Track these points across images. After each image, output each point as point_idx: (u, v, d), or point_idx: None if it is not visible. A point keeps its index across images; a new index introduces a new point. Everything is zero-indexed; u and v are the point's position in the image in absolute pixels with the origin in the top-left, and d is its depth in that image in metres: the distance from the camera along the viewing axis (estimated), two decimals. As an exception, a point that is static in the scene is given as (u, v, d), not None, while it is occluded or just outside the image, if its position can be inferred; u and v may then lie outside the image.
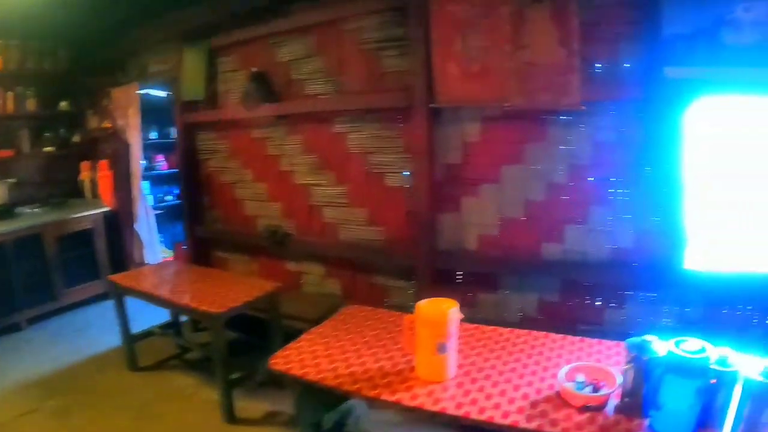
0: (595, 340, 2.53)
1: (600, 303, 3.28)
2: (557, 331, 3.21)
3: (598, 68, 3.10)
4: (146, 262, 5.00)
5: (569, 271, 3.22)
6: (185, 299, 3.43)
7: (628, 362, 1.95)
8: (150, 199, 5.60)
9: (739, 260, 3.30)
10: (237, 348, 3.89)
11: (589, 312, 3.27)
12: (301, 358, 2.49)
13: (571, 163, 3.16)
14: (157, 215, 5.49)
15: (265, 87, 3.84)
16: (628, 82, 2.99)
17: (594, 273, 3.17)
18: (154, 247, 5.10)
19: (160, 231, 5.50)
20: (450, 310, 2.28)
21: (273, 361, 2.47)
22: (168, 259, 5.27)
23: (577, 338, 2.58)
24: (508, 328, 2.73)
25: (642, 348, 1.92)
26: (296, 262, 3.96)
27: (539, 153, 3.21)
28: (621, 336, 3.41)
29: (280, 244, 3.87)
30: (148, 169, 5.73)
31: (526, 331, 2.68)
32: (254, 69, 3.84)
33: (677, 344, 1.81)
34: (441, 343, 2.26)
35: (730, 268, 3.22)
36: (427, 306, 2.32)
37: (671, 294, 3.10)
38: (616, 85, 3.02)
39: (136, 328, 4.06)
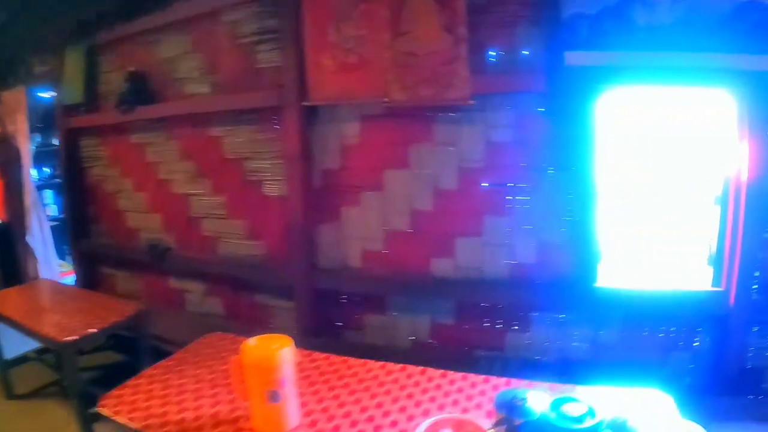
0: (480, 378, 1.94)
1: (501, 326, 2.66)
2: (452, 358, 2.68)
3: (491, 56, 2.45)
4: (41, 277, 4.24)
5: (463, 291, 2.57)
6: (38, 325, 2.70)
7: (495, 425, 1.41)
8: (54, 209, 4.94)
9: (659, 276, 2.75)
10: (122, 372, 3.40)
11: (489, 336, 2.60)
12: (135, 399, 1.90)
13: (462, 166, 2.50)
14: (60, 226, 4.68)
15: (141, 88, 3.15)
16: (526, 72, 2.38)
17: (492, 292, 2.53)
18: (49, 262, 4.39)
19: (64, 243, 4.67)
20: (280, 351, 1.76)
21: (102, 403, 1.96)
22: (64, 274, 4.50)
23: (459, 375, 2.03)
24: (380, 363, 2.16)
25: (512, 408, 1.37)
26: (178, 279, 3.29)
27: (425, 155, 2.55)
28: (525, 364, 2.87)
29: (161, 259, 3.19)
30: (51, 176, 5.03)
31: (399, 366, 2.10)
32: (131, 69, 3.18)
33: (556, 405, 1.27)
34: (272, 391, 1.71)
35: (650, 286, 2.67)
36: (254, 347, 1.77)
37: (583, 315, 2.48)
38: (512, 75, 2.40)
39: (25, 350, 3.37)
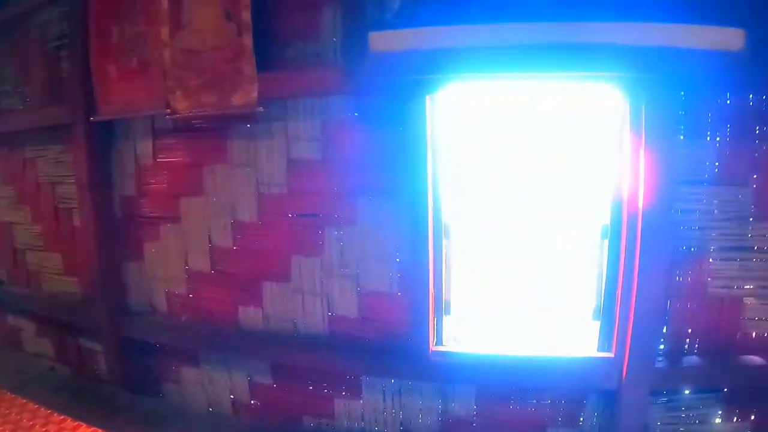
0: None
1: (327, 390, 1.88)
2: (276, 426, 2.04)
3: (289, 47, 1.72)
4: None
5: (275, 347, 1.86)
6: None
7: None
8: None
9: (527, 335, 1.96)
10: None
11: (315, 401, 1.89)
12: None
13: (262, 192, 1.79)
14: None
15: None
16: (329, 66, 1.65)
17: (308, 350, 1.81)
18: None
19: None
20: None
21: None
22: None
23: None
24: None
25: None
26: (13, 316, 2.62)
27: (220, 179, 1.84)
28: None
29: (-8, 294, 2.60)
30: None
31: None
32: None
33: None
34: None
35: (515, 348, 1.90)
36: None
37: (426, 383, 1.76)
38: (312, 70, 1.67)
39: None
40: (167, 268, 2.00)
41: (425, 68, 1.51)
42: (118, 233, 2.06)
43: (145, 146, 1.96)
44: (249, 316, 1.89)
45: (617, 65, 1.43)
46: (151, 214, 1.99)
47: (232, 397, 2.02)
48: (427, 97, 1.58)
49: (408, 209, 1.64)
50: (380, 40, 1.52)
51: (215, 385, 2.04)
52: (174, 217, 1.94)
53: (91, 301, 2.17)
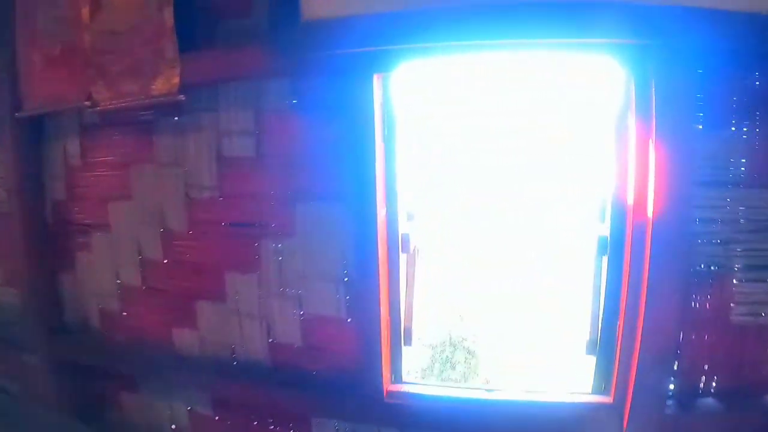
0: None
1: (273, 427, 1.64)
2: None
3: (220, 24, 1.41)
4: None
5: (212, 374, 1.55)
6: None
7: None
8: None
9: (505, 374, 1.58)
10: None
11: None
12: None
13: (191, 196, 1.49)
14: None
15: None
16: (260, 42, 1.32)
17: (248, 381, 1.51)
18: None
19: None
20: None
21: None
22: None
23: None
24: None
25: None
26: None
27: (148, 181, 1.55)
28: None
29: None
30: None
31: None
32: None
33: None
34: None
35: (488, 391, 1.54)
36: None
37: (384, 427, 1.44)
38: (245, 49, 1.36)
39: None
40: (99, 282, 1.72)
41: (372, 39, 1.19)
42: (50, 241, 1.81)
43: (73, 144, 1.70)
44: (184, 339, 1.60)
45: (619, 29, 1.08)
46: (83, 221, 1.72)
47: (173, 427, 1.75)
48: (376, 76, 1.26)
49: (356, 216, 1.33)
50: (314, 4, 1.21)
51: (156, 413, 1.77)
52: (103, 225, 1.66)
53: (26, 316, 1.95)
